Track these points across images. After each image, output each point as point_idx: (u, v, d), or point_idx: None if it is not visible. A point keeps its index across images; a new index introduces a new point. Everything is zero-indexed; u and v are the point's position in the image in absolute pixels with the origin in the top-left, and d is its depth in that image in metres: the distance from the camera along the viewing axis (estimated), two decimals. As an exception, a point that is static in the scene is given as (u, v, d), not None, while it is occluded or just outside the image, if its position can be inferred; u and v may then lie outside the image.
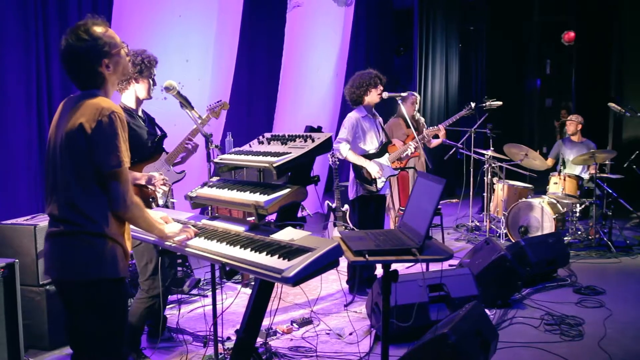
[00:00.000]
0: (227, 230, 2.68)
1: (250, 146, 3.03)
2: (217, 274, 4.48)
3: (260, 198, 2.52)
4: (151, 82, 3.89)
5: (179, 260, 5.39)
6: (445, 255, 2.33)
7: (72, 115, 2.39)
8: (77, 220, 2.37)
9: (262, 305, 2.81)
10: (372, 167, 5.09)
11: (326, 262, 2.19)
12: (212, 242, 2.57)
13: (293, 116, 8.36)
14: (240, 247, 2.42)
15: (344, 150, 5.11)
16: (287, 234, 2.42)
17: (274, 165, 2.56)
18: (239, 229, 2.65)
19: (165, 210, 3.17)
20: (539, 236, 6.06)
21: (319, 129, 2.94)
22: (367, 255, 2.28)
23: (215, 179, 3.03)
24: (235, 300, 5.18)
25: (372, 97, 5.25)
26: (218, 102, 4.48)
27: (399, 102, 5.56)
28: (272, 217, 2.78)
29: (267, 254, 2.29)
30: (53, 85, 5.13)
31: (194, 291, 5.43)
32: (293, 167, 2.67)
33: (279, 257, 2.23)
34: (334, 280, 5.85)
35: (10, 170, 4.87)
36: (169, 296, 5.14)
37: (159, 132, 4.04)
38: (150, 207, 3.76)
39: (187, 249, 2.62)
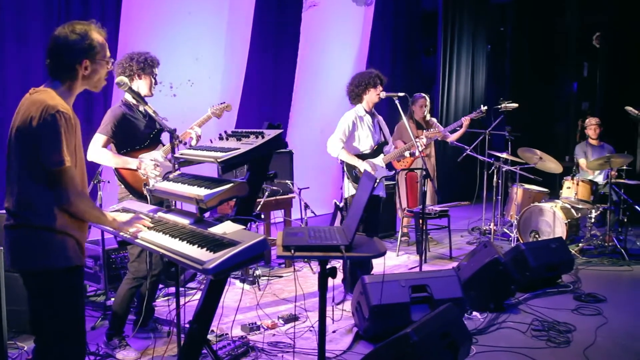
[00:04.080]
0: (175, 223, 2.76)
1: (211, 142, 3.09)
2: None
3: (201, 192, 2.58)
4: (153, 80, 4.08)
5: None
6: (374, 253, 2.33)
7: (25, 109, 2.48)
8: (25, 214, 2.47)
9: (215, 297, 2.86)
10: (364, 167, 5.09)
11: (249, 256, 2.24)
12: (159, 234, 2.65)
13: (309, 117, 8.40)
14: (178, 239, 2.49)
15: (335, 149, 5.13)
16: (223, 228, 2.47)
17: (219, 160, 2.62)
18: (185, 222, 2.72)
19: (129, 203, 3.27)
20: (541, 241, 5.95)
21: (278, 126, 2.97)
22: (293, 251, 2.30)
23: (176, 173, 3.10)
24: (231, 295, 5.28)
25: (371, 96, 5.25)
26: (222, 103, 4.65)
27: (408, 104, 5.55)
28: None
29: (197, 246, 2.35)
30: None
31: (193, 284, 5.55)
32: (242, 162, 2.72)
33: (206, 250, 2.29)
34: (332, 279, 5.86)
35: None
36: (166, 289, 5.29)
37: (158, 127, 4.17)
38: (143, 194, 3.88)
39: (136, 240, 2.70)
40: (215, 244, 2.32)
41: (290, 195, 6.33)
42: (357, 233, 2.56)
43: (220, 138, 3.07)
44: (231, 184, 2.60)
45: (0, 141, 4.98)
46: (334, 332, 4.50)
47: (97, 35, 2.60)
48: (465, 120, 6.95)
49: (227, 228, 2.45)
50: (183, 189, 2.76)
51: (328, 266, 2.68)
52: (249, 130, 2.95)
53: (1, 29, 5.12)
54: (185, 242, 2.43)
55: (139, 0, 6.06)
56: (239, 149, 2.69)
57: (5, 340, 3.78)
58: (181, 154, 3.07)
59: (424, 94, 7.41)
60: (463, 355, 3.65)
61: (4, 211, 4.24)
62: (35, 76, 5.16)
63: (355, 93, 5.28)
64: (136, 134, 3.97)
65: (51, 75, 2.59)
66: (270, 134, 2.76)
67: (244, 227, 2.47)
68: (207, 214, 2.99)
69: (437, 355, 3.38)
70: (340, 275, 5.68)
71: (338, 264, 6.28)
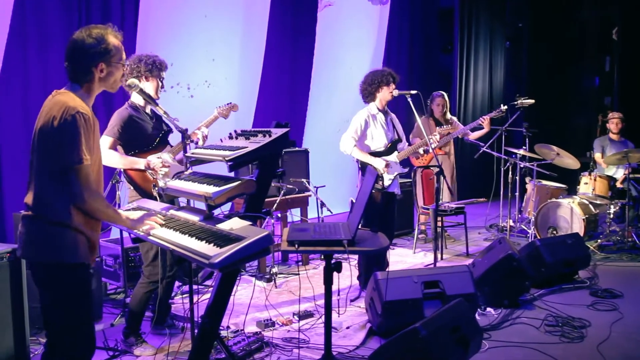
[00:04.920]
0: (186, 220, 2.84)
1: (221, 141, 3.17)
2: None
3: (209, 189, 2.66)
4: (159, 83, 4.14)
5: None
6: (377, 247, 2.38)
7: (47, 110, 2.60)
8: (42, 210, 2.57)
9: (226, 292, 2.93)
10: (378, 163, 5.13)
11: (255, 250, 2.31)
12: (169, 230, 2.73)
13: (326, 116, 8.46)
14: (188, 235, 2.57)
15: (348, 146, 5.18)
16: (230, 224, 2.54)
17: (226, 158, 2.69)
18: (195, 218, 2.80)
19: (144, 201, 3.36)
20: (556, 237, 5.94)
21: (285, 125, 3.04)
22: (297, 245, 2.37)
23: (188, 172, 3.18)
24: (249, 292, 5.37)
25: (384, 94, 5.29)
26: (228, 103, 4.72)
27: (422, 101, 5.57)
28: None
29: (205, 242, 2.43)
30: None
31: (210, 282, 5.64)
32: (249, 160, 2.80)
33: (213, 245, 2.37)
34: (348, 276, 5.91)
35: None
36: (184, 286, 5.39)
37: (165, 128, 4.25)
38: (152, 195, 3.98)
39: (149, 237, 2.78)
40: (221, 239, 2.39)
41: (307, 193, 6.40)
42: (362, 228, 2.61)
43: (230, 137, 3.14)
44: (238, 182, 2.68)
45: (26, 141, 5.16)
46: (348, 328, 4.56)
47: (113, 39, 2.70)
48: (485, 120, 6.91)
49: (234, 224, 2.52)
50: (193, 187, 2.84)
51: (341, 261, 2.73)
52: (257, 129, 3.01)
53: (24, 35, 5.28)
54: (193, 237, 2.52)
55: (156, 5, 6.18)
56: (247, 147, 2.76)
57: (28, 336, 3.91)
58: (192, 153, 3.15)
59: (442, 92, 7.43)
60: (474, 350, 3.68)
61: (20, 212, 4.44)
62: (56, 79, 5.29)
63: (368, 91, 5.33)
64: (143, 135, 4.03)
65: (70, 78, 2.70)
66: (277, 132, 2.83)
67: (250, 223, 2.53)
68: (219, 211, 3.06)
69: (446, 349, 3.41)
70: (356, 272, 5.73)
71: (354, 260, 6.33)
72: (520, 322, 4.64)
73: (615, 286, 5.43)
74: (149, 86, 4.07)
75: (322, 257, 6.31)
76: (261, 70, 7.42)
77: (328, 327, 2.71)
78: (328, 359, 2.81)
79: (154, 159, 3.89)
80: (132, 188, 4.03)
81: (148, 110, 4.14)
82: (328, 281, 2.62)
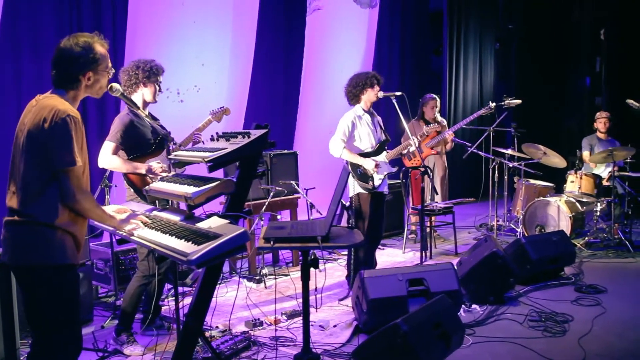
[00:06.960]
0: (168, 220, 2.91)
1: (203, 143, 3.25)
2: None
3: (189, 190, 2.74)
4: (157, 87, 4.23)
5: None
6: (349, 243, 2.46)
7: (36, 113, 2.66)
8: (30, 212, 2.63)
9: (209, 290, 3.01)
10: (368, 164, 5.21)
11: (231, 247, 2.39)
12: (151, 230, 2.81)
13: (316, 118, 8.53)
14: (168, 235, 2.65)
15: (337, 149, 5.25)
16: (209, 223, 2.62)
17: (206, 160, 2.76)
18: (176, 218, 2.88)
19: (130, 204, 3.44)
20: (542, 234, 6.02)
21: (265, 126, 3.11)
22: (272, 242, 2.44)
23: (172, 173, 3.26)
24: (239, 294, 5.44)
25: (369, 96, 5.37)
26: (221, 107, 4.83)
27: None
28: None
29: (184, 240, 2.51)
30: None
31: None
32: (229, 161, 2.87)
33: (191, 243, 2.45)
34: (339, 276, 6.01)
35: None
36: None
37: (162, 132, 4.33)
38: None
39: (132, 237, 2.86)
40: (200, 237, 2.47)
41: (296, 195, 6.47)
42: (340, 226, 2.69)
43: (212, 139, 3.22)
44: (217, 182, 2.76)
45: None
46: (335, 326, 4.62)
47: (100, 48, 2.78)
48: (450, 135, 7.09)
49: (212, 223, 2.60)
50: (174, 187, 2.92)
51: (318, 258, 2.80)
52: (237, 131, 3.09)
53: (17, 44, 5.37)
54: (173, 236, 2.59)
55: (146, 11, 6.26)
56: (226, 148, 2.84)
57: (18, 339, 3.96)
58: (175, 156, 3.22)
59: (434, 95, 7.51)
60: (455, 345, 3.75)
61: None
62: (48, 87, 5.37)
63: (353, 93, 5.42)
64: (143, 140, 4.10)
65: (56, 84, 2.77)
66: (256, 133, 2.91)
67: (229, 221, 2.61)
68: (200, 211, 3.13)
69: (428, 345, 3.48)
70: (344, 271, 5.81)
71: (343, 261, 6.42)
72: (504, 318, 4.72)
73: (600, 282, 5.52)
74: (147, 92, 4.18)
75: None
76: (250, 74, 7.50)
77: (306, 321, 2.78)
78: (306, 352, 2.88)
79: (154, 164, 3.98)
80: (131, 190, 4.12)
81: (146, 113, 4.23)
82: (305, 277, 2.69)
